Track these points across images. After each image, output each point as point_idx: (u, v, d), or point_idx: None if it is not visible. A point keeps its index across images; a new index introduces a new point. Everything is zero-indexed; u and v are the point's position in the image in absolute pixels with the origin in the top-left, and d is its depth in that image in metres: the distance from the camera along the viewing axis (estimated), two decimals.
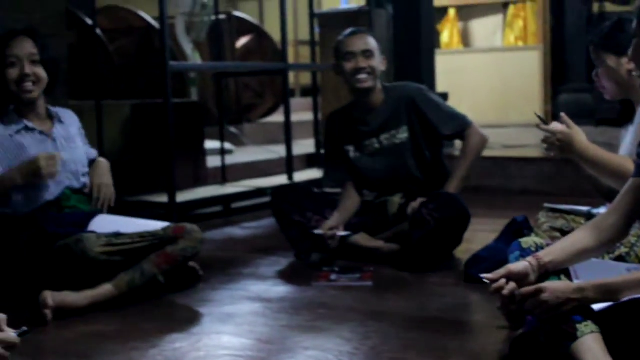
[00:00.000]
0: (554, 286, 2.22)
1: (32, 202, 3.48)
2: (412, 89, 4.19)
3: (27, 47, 3.45)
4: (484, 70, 9.50)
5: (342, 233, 3.98)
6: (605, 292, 2.21)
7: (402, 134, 4.11)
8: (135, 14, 7.25)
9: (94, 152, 3.83)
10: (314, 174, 6.24)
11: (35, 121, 3.55)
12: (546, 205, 3.35)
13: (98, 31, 5.99)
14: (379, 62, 4.08)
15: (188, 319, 3.23)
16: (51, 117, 3.62)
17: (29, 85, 3.45)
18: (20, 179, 3.39)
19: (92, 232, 3.37)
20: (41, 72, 3.47)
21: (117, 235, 3.37)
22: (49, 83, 3.53)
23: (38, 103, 3.55)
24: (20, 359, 1.99)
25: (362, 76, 4.04)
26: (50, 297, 3.13)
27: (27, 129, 3.51)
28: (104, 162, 3.78)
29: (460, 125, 4.09)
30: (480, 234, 4.23)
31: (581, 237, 2.38)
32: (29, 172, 3.38)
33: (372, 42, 4.09)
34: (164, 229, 3.46)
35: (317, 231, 3.96)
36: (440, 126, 4.08)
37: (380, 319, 3.09)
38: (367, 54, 4.05)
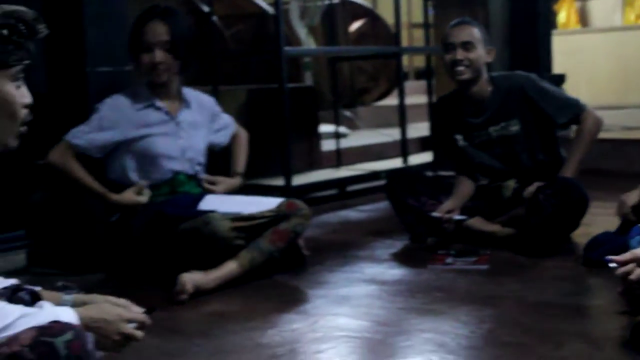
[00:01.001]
0: None
1: (146, 178, 3.58)
2: (521, 79, 4.07)
3: (159, 34, 3.52)
4: (603, 50, 9.26)
5: (458, 217, 3.97)
6: None
7: (514, 127, 4.01)
8: (250, 0, 7.35)
9: (226, 136, 3.92)
10: (428, 157, 6.22)
11: (165, 100, 3.64)
12: None
13: (214, 18, 6.10)
14: (481, 54, 3.97)
15: (304, 300, 3.29)
16: (181, 100, 3.70)
17: (159, 72, 3.55)
18: (114, 201, 3.53)
19: (213, 211, 3.39)
20: (172, 59, 3.55)
21: (238, 214, 3.45)
22: (182, 64, 3.60)
23: (170, 84, 3.64)
24: (148, 337, 2.04)
25: (460, 68, 3.95)
26: (189, 282, 3.20)
27: (154, 107, 3.61)
28: (232, 182, 3.85)
29: (575, 112, 3.97)
30: (600, 217, 4.14)
31: None
32: (125, 204, 3.52)
33: (474, 34, 3.98)
34: (279, 206, 3.53)
35: (434, 214, 3.95)
36: (554, 114, 3.97)
37: (496, 302, 3.07)
38: (467, 45, 3.95)
